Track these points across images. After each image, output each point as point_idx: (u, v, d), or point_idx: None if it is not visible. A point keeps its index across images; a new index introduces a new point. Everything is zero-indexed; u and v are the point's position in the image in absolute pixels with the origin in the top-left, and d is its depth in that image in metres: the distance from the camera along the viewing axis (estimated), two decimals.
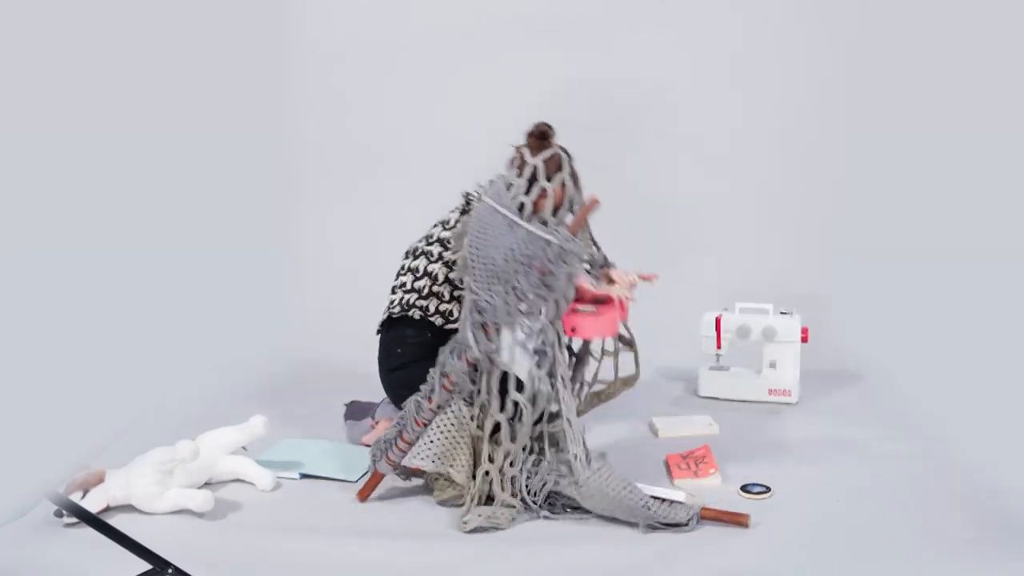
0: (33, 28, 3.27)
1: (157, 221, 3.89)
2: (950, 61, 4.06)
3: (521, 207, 2.99)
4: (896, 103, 4.41)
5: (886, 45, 4.46)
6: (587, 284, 3.10)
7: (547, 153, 3.06)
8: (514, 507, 2.98)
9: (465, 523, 2.92)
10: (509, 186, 3.04)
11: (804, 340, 3.88)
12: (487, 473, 3.00)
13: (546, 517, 2.97)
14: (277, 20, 4.68)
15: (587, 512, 2.97)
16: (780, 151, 4.74)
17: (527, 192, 3.02)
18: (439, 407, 3.03)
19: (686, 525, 2.87)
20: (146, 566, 2.56)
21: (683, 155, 4.74)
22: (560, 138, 3.11)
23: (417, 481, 3.17)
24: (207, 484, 3.18)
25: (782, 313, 3.95)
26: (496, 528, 2.91)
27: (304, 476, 3.28)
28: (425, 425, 3.03)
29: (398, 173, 4.77)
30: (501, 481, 2.99)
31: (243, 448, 3.30)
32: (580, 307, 3.09)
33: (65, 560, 2.75)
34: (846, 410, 3.79)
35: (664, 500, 2.94)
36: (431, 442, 3.01)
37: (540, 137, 3.08)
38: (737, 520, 2.90)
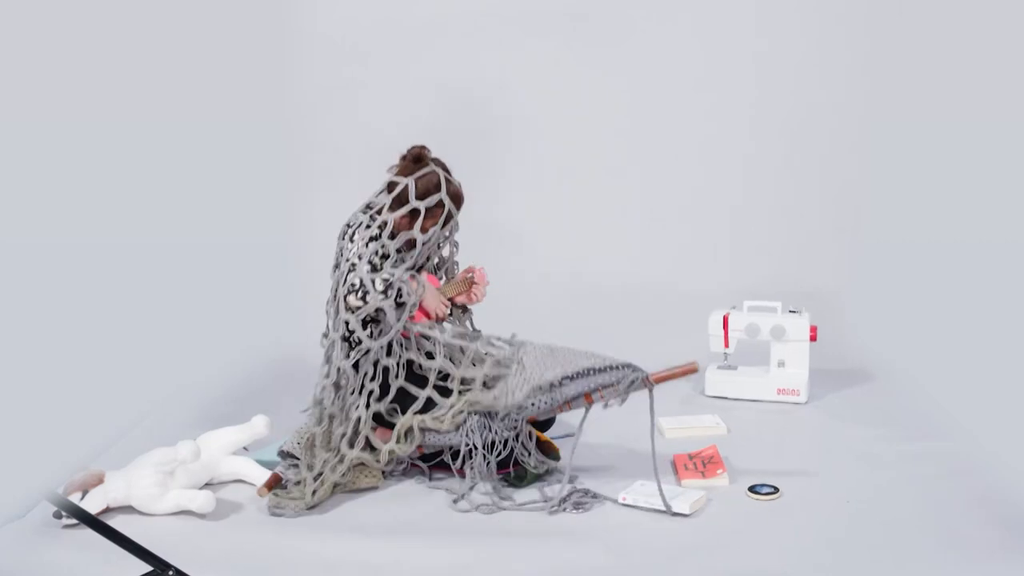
0: (44, 15, 3.25)
1: (161, 217, 3.88)
2: (962, 55, 4.03)
3: (383, 224, 3.11)
4: (904, 100, 4.39)
5: (895, 42, 4.44)
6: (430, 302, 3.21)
7: (421, 173, 3.14)
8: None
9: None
10: (367, 207, 3.17)
11: (813, 339, 3.84)
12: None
13: (548, 510, 2.96)
14: (286, 13, 4.67)
15: (590, 507, 2.98)
16: (789, 149, 4.72)
17: (392, 209, 3.11)
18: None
19: (632, 377, 2.96)
20: (147, 567, 2.54)
21: (689, 153, 4.72)
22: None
23: (422, 480, 3.18)
24: (208, 485, 3.15)
25: (791, 312, 3.92)
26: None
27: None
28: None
29: None
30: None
31: (244, 448, 3.28)
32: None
33: (64, 562, 2.72)
34: (855, 410, 3.75)
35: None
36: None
37: (415, 160, 3.16)
38: (686, 371, 2.99)
